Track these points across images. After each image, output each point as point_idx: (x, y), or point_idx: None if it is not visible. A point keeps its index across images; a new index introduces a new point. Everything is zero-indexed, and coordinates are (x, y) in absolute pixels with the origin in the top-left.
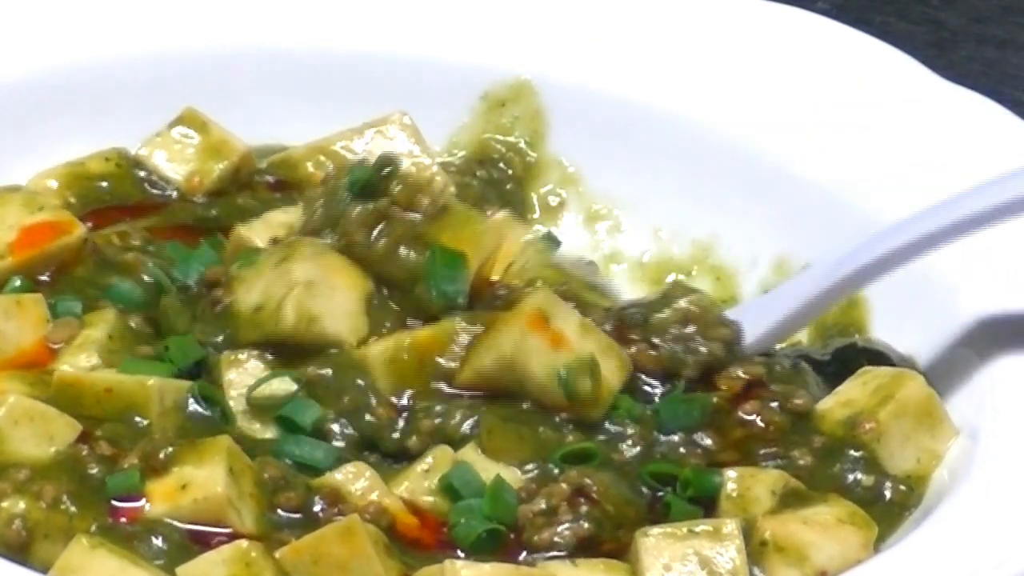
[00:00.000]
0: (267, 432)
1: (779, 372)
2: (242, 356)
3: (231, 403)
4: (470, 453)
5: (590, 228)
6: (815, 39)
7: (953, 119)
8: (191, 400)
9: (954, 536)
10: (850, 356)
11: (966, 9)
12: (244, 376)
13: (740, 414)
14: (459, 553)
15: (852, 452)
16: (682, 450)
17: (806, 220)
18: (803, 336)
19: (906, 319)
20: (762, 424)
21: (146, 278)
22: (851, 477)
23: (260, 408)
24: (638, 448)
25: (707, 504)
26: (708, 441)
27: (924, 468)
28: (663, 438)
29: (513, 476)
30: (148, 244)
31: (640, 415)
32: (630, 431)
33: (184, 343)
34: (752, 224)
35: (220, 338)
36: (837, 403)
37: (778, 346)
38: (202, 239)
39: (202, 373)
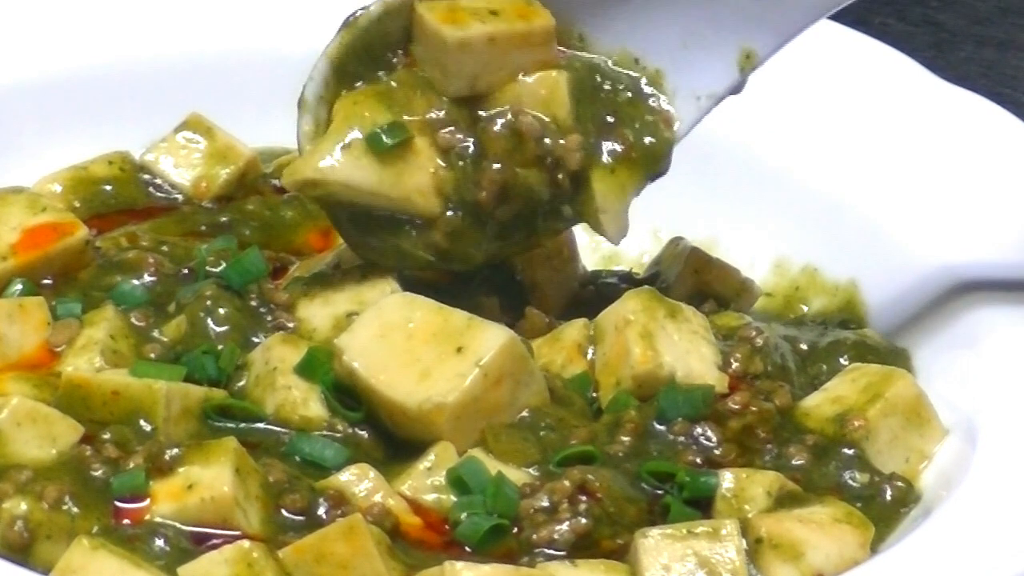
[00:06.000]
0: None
1: (768, 370)
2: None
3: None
4: (477, 453)
5: (590, 229)
6: (814, 41)
7: (952, 120)
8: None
9: (953, 537)
10: (843, 350)
11: (965, 11)
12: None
13: (730, 403)
14: (463, 552)
15: (845, 451)
16: (680, 446)
17: (805, 221)
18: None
19: (905, 317)
20: (754, 410)
21: (148, 276)
22: (846, 475)
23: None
24: (630, 440)
25: (703, 505)
26: (710, 433)
27: (912, 468)
28: (662, 429)
29: (518, 475)
30: (161, 244)
31: (638, 404)
32: (627, 422)
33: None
34: (751, 225)
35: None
36: (826, 399)
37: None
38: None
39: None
